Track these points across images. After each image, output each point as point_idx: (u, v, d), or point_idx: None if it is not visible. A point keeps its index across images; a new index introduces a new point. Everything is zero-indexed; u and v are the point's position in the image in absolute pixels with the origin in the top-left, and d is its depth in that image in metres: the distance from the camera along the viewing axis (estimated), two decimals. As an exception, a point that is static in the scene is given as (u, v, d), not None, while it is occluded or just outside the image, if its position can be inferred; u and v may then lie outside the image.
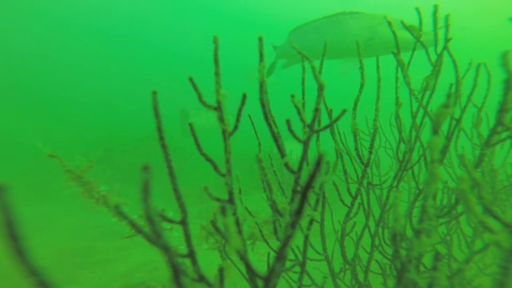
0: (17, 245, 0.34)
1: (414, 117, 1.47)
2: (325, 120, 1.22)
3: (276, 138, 0.69)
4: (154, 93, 0.56)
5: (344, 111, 0.67)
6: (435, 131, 0.86)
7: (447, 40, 1.29)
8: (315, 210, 0.94)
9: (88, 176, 1.54)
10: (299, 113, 0.65)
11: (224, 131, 0.63)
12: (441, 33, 1.35)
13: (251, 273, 0.48)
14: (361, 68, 1.14)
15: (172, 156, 0.63)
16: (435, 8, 1.23)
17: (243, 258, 0.45)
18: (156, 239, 0.39)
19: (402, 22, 1.40)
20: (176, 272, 0.43)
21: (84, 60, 32.28)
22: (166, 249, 0.39)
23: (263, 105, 0.65)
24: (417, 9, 1.36)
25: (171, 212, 0.90)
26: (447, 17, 1.25)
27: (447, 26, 1.26)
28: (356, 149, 1.24)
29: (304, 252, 0.88)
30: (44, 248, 3.74)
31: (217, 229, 0.73)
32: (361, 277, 1.48)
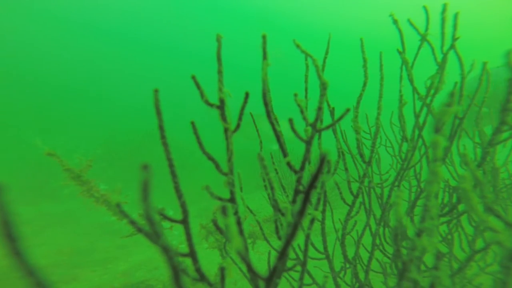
0: (14, 245, 0.34)
1: (417, 116, 1.46)
2: (326, 118, 1.21)
3: (278, 136, 0.68)
4: (156, 91, 0.55)
5: (347, 110, 0.67)
6: (437, 129, 0.85)
7: (454, 39, 1.28)
8: (316, 209, 0.93)
9: (88, 175, 1.53)
10: (301, 112, 0.64)
11: (226, 130, 0.62)
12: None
13: (253, 274, 0.47)
14: (364, 66, 1.14)
15: (172, 154, 0.62)
16: (444, 7, 1.22)
17: (245, 259, 0.45)
18: (156, 239, 0.38)
19: (409, 21, 1.38)
20: (176, 273, 0.42)
21: (85, 58, 32.19)
22: (166, 249, 0.38)
23: (266, 103, 0.64)
24: (424, 8, 1.34)
25: (172, 211, 0.90)
26: (456, 16, 1.24)
27: (455, 25, 1.25)
28: (358, 147, 1.23)
29: (305, 251, 0.87)
30: (45, 247, 3.74)
31: (218, 228, 0.72)
32: (361, 276, 1.47)
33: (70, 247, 3.79)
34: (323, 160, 0.35)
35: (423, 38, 1.34)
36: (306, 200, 0.35)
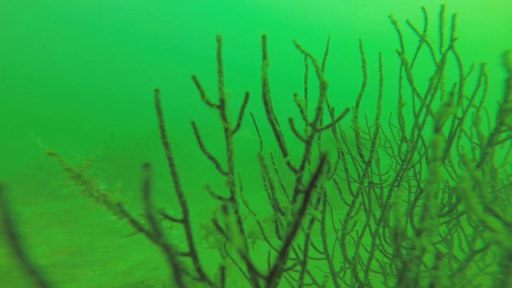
0: (16, 244, 0.34)
1: (416, 116, 1.46)
2: (325, 119, 1.21)
3: (278, 136, 0.68)
4: (157, 91, 0.55)
5: (347, 110, 0.67)
6: (437, 129, 0.85)
7: (452, 39, 1.28)
8: (315, 209, 0.93)
9: (88, 174, 1.52)
10: (301, 111, 0.64)
11: (226, 130, 0.62)
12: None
13: (253, 273, 0.47)
14: (364, 67, 1.14)
15: (172, 154, 0.62)
16: (442, 7, 1.22)
17: (245, 257, 0.45)
18: (157, 238, 0.38)
19: (407, 21, 1.38)
20: (177, 271, 0.42)
21: (86, 57, 32.10)
22: (167, 248, 0.38)
23: (265, 103, 0.64)
24: (422, 8, 1.34)
25: (172, 211, 0.90)
26: (454, 16, 1.24)
27: (453, 26, 1.25)
28: (358, 147, 1.23)
29: (305, 251, 0.88)
30: (44, 247, 3.74)
31: (218, 228, 0.73)
32: (361, 276, 1.47)
33: (70, 247, 3.79)
34: (323, 159, 0.35)
35: (422, 39, 1.35)
36: (307, 198, 0.35)
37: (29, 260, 0.34)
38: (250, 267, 0.44)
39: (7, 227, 0.33)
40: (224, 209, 0.35)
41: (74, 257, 3.50)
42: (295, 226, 0.38)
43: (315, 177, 0.34)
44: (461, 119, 1.33)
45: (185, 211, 0.65)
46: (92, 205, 1.60)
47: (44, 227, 4.36)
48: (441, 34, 1.31)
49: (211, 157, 0.70)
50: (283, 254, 0.42)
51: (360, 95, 1.21)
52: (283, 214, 0.75)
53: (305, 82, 1.21)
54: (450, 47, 1.29)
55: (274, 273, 0.43)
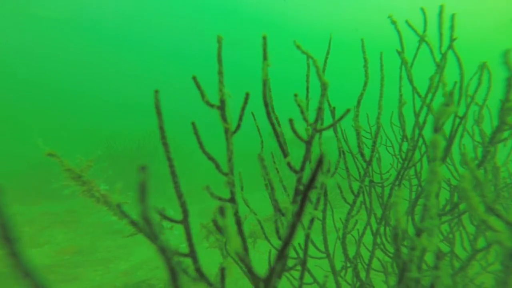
0: (11, 247, 0.34)
1: (417, 115, 1.45)
2: (327, 118, 1.21)
3: (278, 136, 0.68)
4: (156, 92, 0.55)
5: (348, 110, 0.66)
6: (436, 129, 0.84)
7: (452, 39, 1.27)
8: (316, 208, 0.93)
9: (88, 175, 1.52)
10: (302, 112, 0.64)
11: (226, 130, 0.62)
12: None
13: (252, 276, 0.47)
14: (365, 66, 1.13)
15: (172, 154, 0.62)
16: (441, 8, 1.22)
17: (243, 260, 0.45)
18: (153, 240, 0.38)
19: (407, 22, 1.38)
20: (173, 274, 0.42)
21: (86, 59, 32.19)
22: (163, 250, 0.38)
23: (266, 103, 0.64)
24: (422, 10, 1.34)
25: (172, 211, 0.90)
26: (452, 17, 1.23)
27: (452, 26, 1.25)
28: (359, 147, 1.23)
29: (305, 251, 0.87)
30: (47, 247, 3.76)
31: (218, 228, 0.72)
32: (362, 275, 1.47)
33: (72, 247, 3.80)
34: (320, 161, 0.35)
35: (422, 39, 1.34)
36: (303, 201, 0.35)
37: (24, 263, 0.34)
38: (249, 270, 0.44)
39: (3, 231, 0.32)
40: (221, 211, 0.35)
41: (77, 257, 3.51)
42: (293, 228, 0.37)
43: (311, 181, 0.34)
44: (462, 118, 1.32)
45: (185, 211, 0.64)
46: (94, 205, 1.61)
47: (46, 227, 4.38)
48: (440, 35, 1.30)
49: (211, 158, 0.69)
50: (281, 256, 0.41)
51: (362, 94, 1.21)
52: (283, 214, 0.74)
53: (307, 81, 1.20)
54: (450, 46, 1.28)
55: (272, 275, 0.43)
